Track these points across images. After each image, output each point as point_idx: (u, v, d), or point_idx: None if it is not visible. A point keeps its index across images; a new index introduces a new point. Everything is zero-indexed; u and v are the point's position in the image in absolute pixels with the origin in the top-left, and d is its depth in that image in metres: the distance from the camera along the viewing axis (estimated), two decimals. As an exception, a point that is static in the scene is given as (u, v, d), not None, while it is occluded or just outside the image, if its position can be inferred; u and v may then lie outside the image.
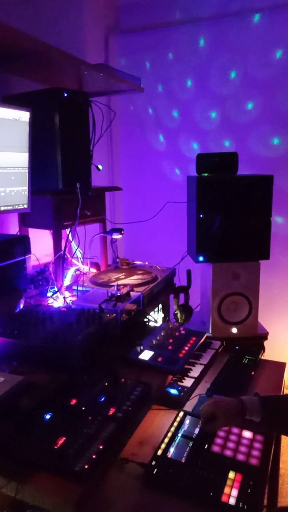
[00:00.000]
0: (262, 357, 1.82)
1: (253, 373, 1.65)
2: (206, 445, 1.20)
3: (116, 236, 2.25)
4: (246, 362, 1.73)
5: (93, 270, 2.27)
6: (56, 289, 1.94)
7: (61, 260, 1.96)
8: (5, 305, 1.65)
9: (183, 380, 1.54)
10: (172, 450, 1.18)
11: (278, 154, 2.76)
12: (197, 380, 1.56)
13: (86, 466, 1.00)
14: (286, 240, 2.77)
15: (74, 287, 1.95)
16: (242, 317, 2.08)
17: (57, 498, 0.97)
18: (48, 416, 1.18)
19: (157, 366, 1.52)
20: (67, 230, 2.03)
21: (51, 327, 1.48)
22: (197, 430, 1.26)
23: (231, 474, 1.10)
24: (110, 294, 1.73)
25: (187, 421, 1.30)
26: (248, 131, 2.81)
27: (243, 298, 2.06)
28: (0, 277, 1.64)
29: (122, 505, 1.02)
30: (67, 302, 1.85)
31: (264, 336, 2.11)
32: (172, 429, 1.26)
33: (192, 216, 2.07)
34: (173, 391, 1.46)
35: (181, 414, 1.33)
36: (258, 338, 2.09)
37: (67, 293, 1.94)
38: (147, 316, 1.95)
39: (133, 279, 2.01)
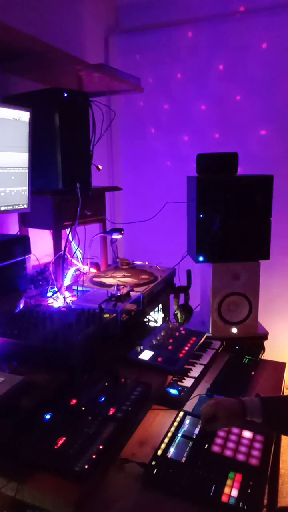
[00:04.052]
0: (262, 357, 1.82)
1: (253, 373, 1.65)
2: (206, 445, 1.20)
3: (116, 236, 2.25)
4: (246, 362, 1.73)
5: (93, 270, 2.27)
6: (56, 289, 1.94)
7: (61, 260, 1.96)
8: (5, 305, 1.65)
9: (183, 380, 1.54)
10: (172, 450, 1.18)
11: (278, 154, 2.76)
12: (197, 380, 1.56)
13: (86, 466, 1.00)
14: (286, 240, 2.77)
15: (74, 287, 1.95)
16: (242, 317, 2.08)
17: (57, 498, 0.97)
18: (48, 416, 1.18)
19: (157, 366, 1.52)
20: (67, 230, 2.03)
21: (51, 327, 1.48)
22: (197, 430, 1.26)
23: (231, 474, 1.10)
24: (110, 294, 1.73)
25: (187, 421, 1.30)
26: (248, 131, 2.81)
27: (243, 298, 2.06)
28: (0, 277, 1.64)
29: (122, 505, 1.02)
30: (67, 302, 1.85)
31: (264, 336, 2.11)
32: (172, 429, 1.26)
33: (192, 216, 2.07)
34: (173, 391, 1.46)
35: (181, 414, 1.33)
36: (258, 338, 2.08)
37: (67, 293, 1.94)
38: (147, 316, 1.95)
39: (133, 279, 2.01)
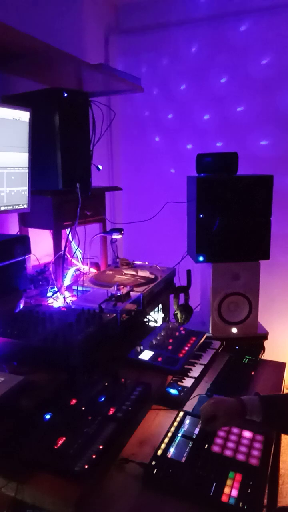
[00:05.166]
0: (262, 357, 1.82)
1: (253, 373, 1.65)
2: (206, 445, 1.20)
3: (116, 236, 2.25)
4: (246, 362, 1.73)
5: (93, 270, 2.27)
6: (56, 289, 1.94)
7: (61, 260, 1.96)
8: (5, 305, 1.65)
9: (183, 380, 1.54)
10: (172, 450, 1.18)
11: (278, 154, 2.76)
12: (197, 380, 1.56)
13: (86, 466, 1.00)
14: (286, 240, 2.77)
15: (74, 287, 1.95)
16: (242, 317, 2.08)
17: (57, 498, 0.97)
18: (48, 416, 1.18)
19: (157, 366, 1.52)
20: (67, 230, 2.03)
21: (51, 327, 1.48)
22: (197, 430, 1.26)
23: (231, 474, 1.10)
24: (110, 294, 1.73)
25: (187, 421, 1.30)
26: (248, 131, 2.81)
27: (243, 298, 2.06)
28: (0, 277, 1.64)
29: (122, 505, 1.02)
30: (67, 302, 1.85)
31: (264, 336, 2.11)
32: (172, 429, 1.26)
33: (192, 216, 2.07)
34: (173, 391, 1.46)
35: (181, 414, 1.33)
36: (258, 338, 2.08)
37: (67, 293, 1.94)
38: (147, 316, 1.95)
39: (133, 279, 2.01)
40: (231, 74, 2.78)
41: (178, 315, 2.11)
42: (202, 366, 1.65)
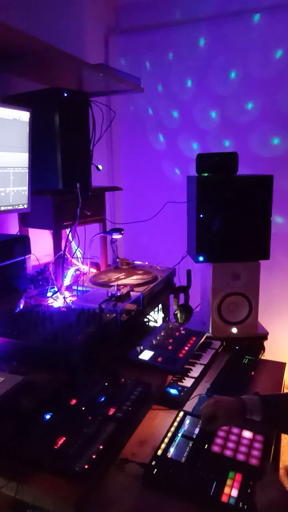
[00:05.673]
0: (262, 357, 1.82)
1: (253, 373, 1.66)
2: (206, 445, 1.20)
3: (116, 236, 2.25)
4: (246, 362, 1.73)
5: (93, 270, 2.27)
6: (56, 289, 1.94)
7: (61, 260, 1.96)
8: (5, 305, 1.65)
9: (183, 380, 1.54)
10: (172, 450, 1.18)
11: (278, 154, 2.76)
12: (197, 380, 1.56)
13: (86, 466, 1.00)
14: (286, 240, 2.77)
15: (74, 287, 1.95)
16: (242, 317, 2.08)
17: (57, 498, 0.97)
18: (48, 416, 1.18)
19: (157, 366, 1.52)
20: (67, 230, 2.03)
21: (51, 327, 1.48)
22: (197, 430, 1.26)
23: (231, 474, 1.10)
24: (110, 294, 1.73)
25: (187, 421, 1.30)
26: (248, 131, 2.81)
27: (243, 298, 2.06)
28: (0, 277, 1.64)
29: (122, 505, 1.02)
30: (67, 302, 1.85)
31: (264, 336, 2.11)
32: (172, 429, 1.26)
33: (192, 216, 2.07)
34: (173, 391, 1.46)
35: (181, 414, 1.33)
36: (258, 338, 2.09)
37: (67, 293, 1.94)
38: (147, 316, 1.95)
39: (133, 279, 2.01)
40: (232, 74, 2.78)
41: (178, 315, 2.11)
42: (202, 366, 1.65)
